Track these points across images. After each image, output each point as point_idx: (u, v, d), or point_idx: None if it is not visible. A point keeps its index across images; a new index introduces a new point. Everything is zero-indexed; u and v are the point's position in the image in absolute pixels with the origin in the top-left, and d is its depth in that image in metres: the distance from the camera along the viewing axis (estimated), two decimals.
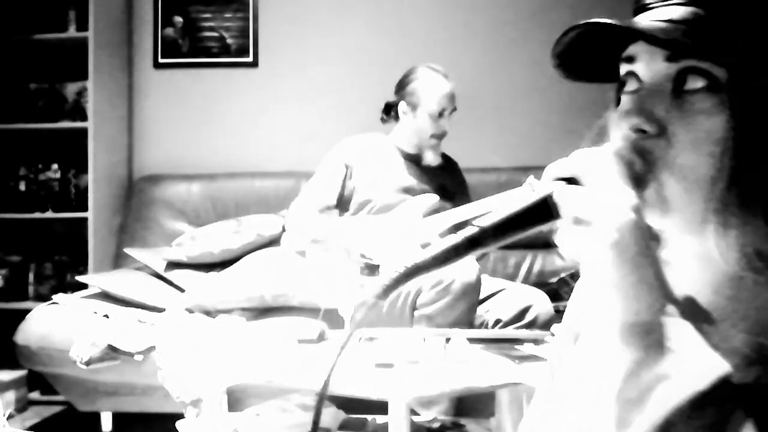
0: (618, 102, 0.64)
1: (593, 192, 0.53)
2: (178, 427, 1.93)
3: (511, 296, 2.41)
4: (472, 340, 1.84)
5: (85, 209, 3.16)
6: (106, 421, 2.64)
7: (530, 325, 2.33)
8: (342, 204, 2.62)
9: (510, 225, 0.57)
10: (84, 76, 3.18)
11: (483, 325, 2.37)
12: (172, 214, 3.23)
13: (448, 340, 1.81)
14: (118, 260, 3.14)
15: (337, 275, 2.47)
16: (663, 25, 0.58)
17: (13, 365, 2.72)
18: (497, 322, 2.35)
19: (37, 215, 3.25)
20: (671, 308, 0.53)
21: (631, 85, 0.62)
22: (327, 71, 3.45)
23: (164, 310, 2.60)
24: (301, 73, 3.46)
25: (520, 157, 3.28)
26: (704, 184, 0.58)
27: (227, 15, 3.48)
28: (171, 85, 3.51)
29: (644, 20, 0.60)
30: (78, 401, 2.57)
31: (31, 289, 3.28)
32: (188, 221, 3.21)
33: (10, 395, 2.81)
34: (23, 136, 3.34)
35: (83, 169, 3.21)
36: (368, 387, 1.57)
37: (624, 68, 0.63)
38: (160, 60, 3.50)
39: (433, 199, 2.53)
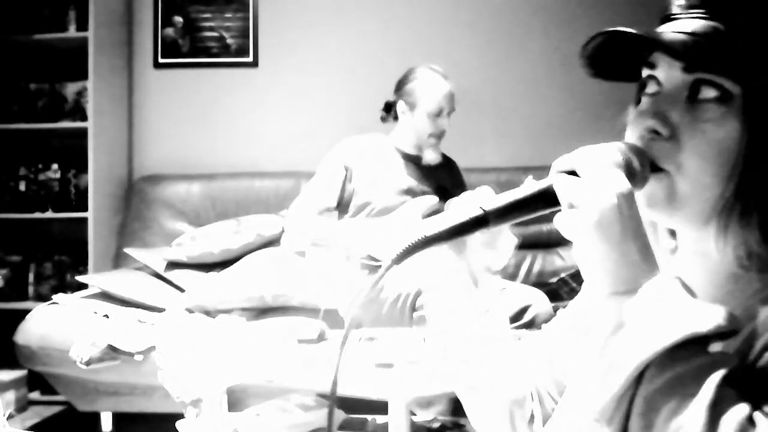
0: (637, 102, 0.69)
1: (584, 180, 0.59)
2: (178, 427, 1.93)
3: (510, 296, 2.41)
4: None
5: (85, 209, 3.16)
6: (106, 421, 2.65)
7: (529, 324, 2.33)
8: (342, 206, 2.62)
9: (512, 210, 0.64)
10: (84, 76, 3.18)
11: None
12: (172, 214, 3.23)
13: None
14: (118, 260, 3.14)
15: (337, 275, 2.48)
16: (683, 37, 0.62)
17: (13, 365, 2.72)
18: None
19: (37, 215, 3.25)
20: (657, 281, 0.57)
21: (650, 88, 0.66)
22: (327, 71, 3.45)
23: (164, 310, 2.60)
24: (301, 73, 3.46)
25: (520, 157, 3.28)
26: (710, 188, 0.62)
27: (227, 15, 3.48)
28: (171, 85, 3.51)
29: (668, 30, 0.64)
30: (78, 401, 2.57)
31: (31, 289, 3.28)
32: (188, 221, 3.21)
33: (10, 395, 2.81)
34: (23, 136, 3.34)
35: (83, 169, 3.21)
36: (368, 387, 1.58)
37: (645, 72, 0.67)
38: (160, 60, 3.50)
39: (433, 200, 2.54)
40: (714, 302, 0.61)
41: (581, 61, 0.68)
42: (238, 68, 3.48)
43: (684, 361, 0.53)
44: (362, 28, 3.45)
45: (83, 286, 2.77)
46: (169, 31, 3.49)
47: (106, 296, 2.67)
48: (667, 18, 0.66)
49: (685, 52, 0.61)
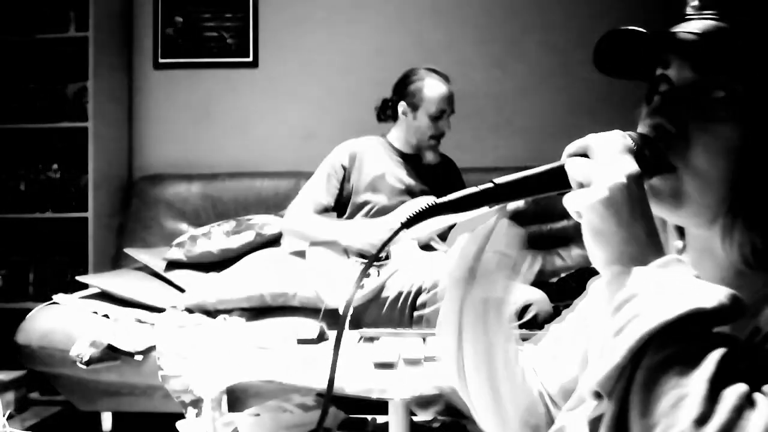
0: (648, 99, 0.70)
1: (595, 161, 0.62)
2: (178, 427, 1.93)
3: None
4: None
5: (85, 209, 3.16)
6: (106, 421, 2.65)
7: (529, 323, 2.33)
8: (340, 205, 2.63)
9: (522, 186, 0.65)
10: (84, 76, 3.18)
11: None
12: (172, 214, 3.23)
13: None
14: (118, 260, 3.14)
15: (337, 275, 2.47)
16: (694, 37, 0.63)
17: (13, 365, 2.72)
18: None
19: (37, 215, 3.25)
20: (662, 260, 0.58)
21: (662, 87, 0.68)
22: (327, 71, 3.45)
23: (164, 310, 2.60)
24: (301, 73, 3.46)
25: (520, 157, 3.27)
26: (717, 186, 0.63)
27: (227, 15, 3.48)
28: (171, 85, 3.51)
29: (682, 29, 0.65)
30: (78, 401, 2.57)
31: (31, 289, 3.28)
32: (188, 221, 3.21)
33: (10, 395, 2.81)
34: (23, 136, 3.34)
35: (83, 169, 3.21)
36: (368, 387, 1.57)
37: (658, 71, 0.68)
38: (160, 60, 3.50)
39: (431, 200, 2.54)
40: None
41: (593, 58, 0.70)
42: (238, 68, 3.48)
43: (687, 336, 0.54)
44: (362, 28, 3.45)
45: (83, 286, 2.77)
46: (169, 31, 3.49)
47: (106, 296, 2.67)
48: (682, 19, 0.68)
49: (696, 51, 0.63)
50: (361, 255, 2.49)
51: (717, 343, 0.54)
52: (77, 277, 2.75)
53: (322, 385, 1.63)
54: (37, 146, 3.37)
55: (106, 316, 2.51)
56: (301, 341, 1.97)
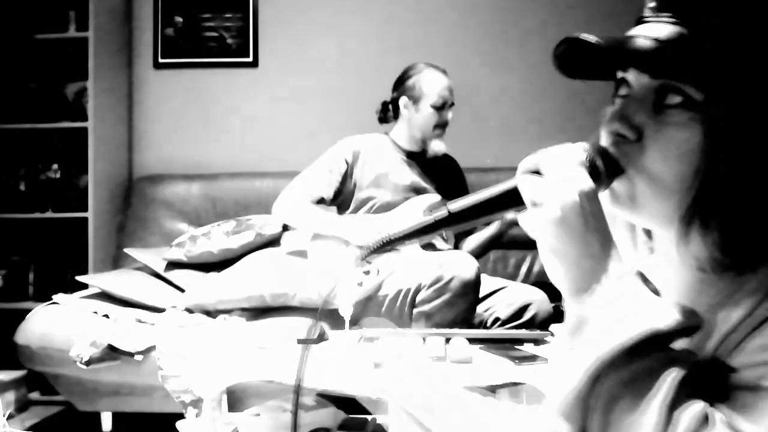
0: (613, 101, 0.71)
1: (547, 178, 0.62)
2: (178, 427, 1.93)
3: (509, 295, 2.41)
4: (471, 340, 1.84)
5: (85, 209, 3.16)
6: (106, 421, 2.65)
7: (529, 323, 2.33)
8: (343, 201, 2.63)
9: (478, 209, 0.67)
10: (84, 76, 3.18)
11: (482, 323, 2.37)
12: (172, 214, 3.23)
13: (448, 340, 1.81)
14: (118, 260, 3.14)
15: (338, 275, 2.47)
16: (650, 44, 0.63)
17: (13, 365, 2.72)
18: (496, 320, 2.36)
19: (37, 215, 3.25)
20: (618, 277, 0.59)
21: (622, 90, 0.68)
22: (327, 71, 3.45)
23: (164, 310, 2.60)
24: (301, 73, 3.46)
25: (519, 157, 3.26)
26: (672, 191, 0.63)
27: (227, 15, 3.48)
28: (171, 85, 3.51)
29: (640, 33, 0.65)
30: (78, 401, 2.57)
31: (31, 289, 3.29)
32: (188, 221, 3.21)
33: (10, 395, 2.81)
34: (23, 136, 3.34)
35: (83, 169, 3.21)
36: (368, 387, 1.57)
37: (619, 74, 0.69)
38: (160, 60, 3.50)
39: (434, 197, 2.55)
40: (685, 301, 0.63)
41: (554, 64, 0.69)
42: (238, 68, 3.48)
43: (641, 358, 0.54)
44: (362, 29, 3.45)
45: (83, 286, 2.77)
46: (169, 31, 3.49)
47: (106, 296, 2.67)
48: (640, 20, 0.67)
49: (650, 60, 0.62)
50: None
51: (672, 362, 0.54)
52: (77, 277, 2.75)
53: (323, 386, 1.63)
54: (37, 146, 3.37)
55: (106, 316, 2.51)
56: (301, 341, 1.97)
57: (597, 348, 0.55)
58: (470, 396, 0.87)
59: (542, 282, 2.85)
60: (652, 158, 0.63)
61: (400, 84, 2.65)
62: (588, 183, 0.61)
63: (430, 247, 2.53)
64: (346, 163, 2.61)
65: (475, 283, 2.25)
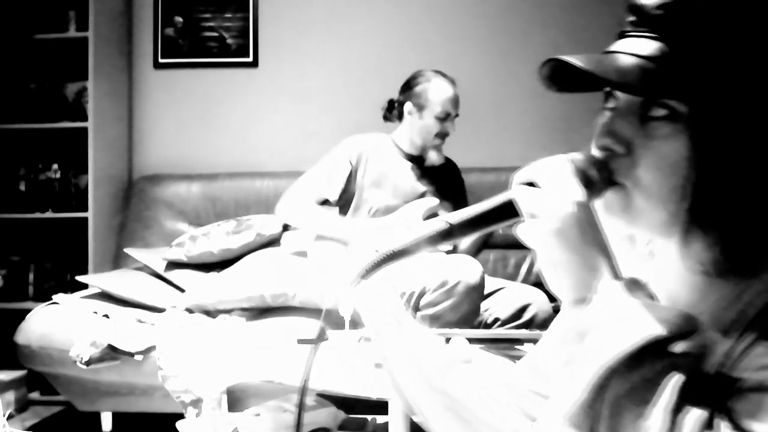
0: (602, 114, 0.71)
1: (543, 191, 0.63)
2: (178, 427, 1.93)
3: (509, 295, 2.41)
4: (471, 340, 1.84)
5: (85, 209, 3.16)
6: (106, 421, 2.65)
7: (528, 323, 2.34)
8: (344, 202, 2.63)
9: (476, 222, 0.68)
10: (84, 76, 3.18)
11: (482, 323, 2.37)
12: (172, 214, 3.23)
13: (448, 340, 1.81)
14: (118, 260, 3.14)
15: (338, 275, 2.47)
16: (631, 62, 0.64)
17: (13, 365, 2.72)
18: (495, 320, 2.36)
19: (37, 215, 3.25)
20: (616, 286, 0.60)
21: (610, 103, 0.69)
22: (327, 71, 3.45)
23: (164, 310, 2.60)
24: (301, 73, 3.46)
25: (519, 157, 3.27)
26: (667, 201, 0.64)
27: (227, 15, 3.48)
28: (171, 85, 3.51)
29: (621, 48, 0.66)
30: (78, 401, 2.57)
31: (31, 289, 3.29)
32: (188, 221, 3.21)
33: (10, 395, 2.81)
34: (23, 136, 3.34)
35: (83, 169, 3.21)
36: (368, 387, 1.58)
37: (606, 87, 0.69)
38: (160, 60, 3.50)
39: (434, 201, 2.55)
40: (688, 305, 0.64)
41: (541, 83, 0.71)
42: (238, 68, 3.48)
43: (644, 365, 0.55)
44: (362, 29, 3.45)
45: (83, 286, 2.77)
46: (169, 31, 3.49)
47: (106, 296, 2.67)
48: (621, 35, 0.68)
49: (632, 81, 0.63)
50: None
51: (674, 367, 0.55)
52: (77, 277, 2.75)
53: (322, 386, 1.63)
54: (37, 146, 3.37)
55: (106, 316, 2.51)
56: (301, 341, 1.97)
57: (600, 356, 0.56)
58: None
59: (542, 283, 2.85)
60: (642, 171, 0.65)
61: (408, 89, 2.63)
62: (582, 194, 0.63)
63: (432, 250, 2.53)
64: (351, 163, 2.61)
65: (480, 287, 2.26)
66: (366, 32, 3.45)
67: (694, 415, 0.53)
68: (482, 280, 2.26)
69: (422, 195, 2.61)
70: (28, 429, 2.68)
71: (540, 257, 0.63)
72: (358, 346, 1.89)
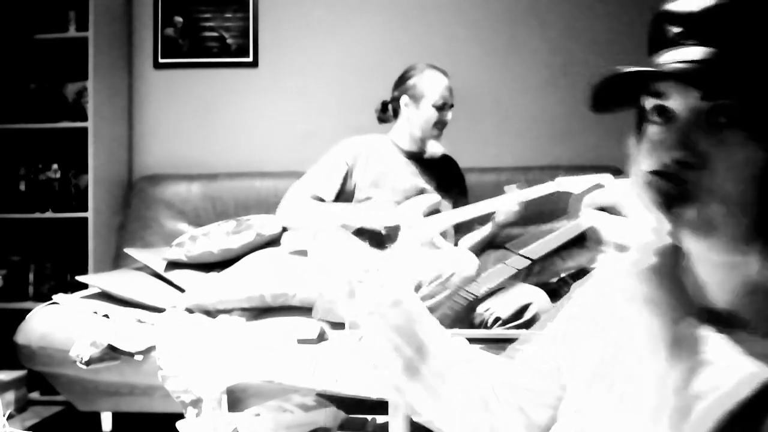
0: (638, 128, 0.69)
1: (630, 221, 0.62)
2: (178, 427, 1.93)
3: (509, 294, 2.42)
4: (471, 340, 1.85)
5: (85, 209, 3.16)
6: (106, 421, 2.65)
7: (529, 322, 2.33)
8: (342, 201, 2.63)
9: (557, 254, 0.65)
10: (84, 76, 3.18)
11: (482, 323, 2.37)
12: (172, 214, 3.23)
13: None
14: (118, 260, 3.14)
15: (338, 274, 2.47)
16: (694, 66, 0.62)
17: (13, 365, 2.72)
18: (496, 320, 2.36)
19: (37, 215, 3.25)
20: (705, 321, 0.58)
21: (658, 118, 0.66)
22: (327, 71, 3.45)
23: (164, 310, 2.60)
24: (301, 73, 3.46)
25: (520, 157, 3.28)
26: (746, 212, 0.62)
27: (227, 15, 3.48)
28: (171, 85, 3.51)
29: (669, 60, 0.63)
30: (78, 401, 2.57)
31: (31, 289, 3.28)
32: (188, 221, 3.21)
33: (10, 395, 2.81)
34: (23, 136, 3.34)
35: (83, 169, 3.21)
36: (368, 387, 1.57)
37: (651, 101, 0.66)
38: (160, 60, 3.50)
39: (435, 198, 2.55)
40: (744, 311, 0.62)
41: (589, 102, 0.68)
42: (238, 68, 3.48)
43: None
44: (362, 29, 3.45)
45: (83, 286, 2.77)
46: (169, 31, 3.49)
47: (106, 296, 2.67)
48: (658, 47, 0.66)
49: (702, 81, 0.61)
50: (362, 233, 2.50)
51: None
52: (77, 277, 2.75)
53: (322, 386, 1.63)
54: (37, 146, 3.37)
55: (106, 316, 2.51)
56: (301, 341, 1.97)
57: (709, 411, 0.55)
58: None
59: (542, 283, 2.85)
60: (721, 181, 0.62)
61: (401, 83, 2.67)
62: (667, 222, 0.61)
63: (430, 245, 2.53)
64: (347, 164, 2.63)
65: (475, 280, 2.26)
66: (366, 32, 3.45)
67: None
68: (478, 272, 2.27)
69: (422, 192, 2.62)
70: (28, 429, 2.68)
71: (628, 292, 0.62)
72: (358, 346, 1.89)
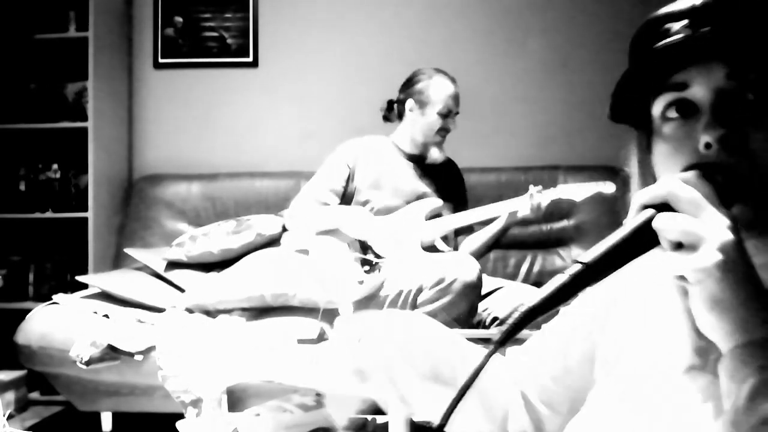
0: (642, 144, 0.68)
1: (692, 217, 0.54)
2: (178, 427, 1.93)
3: (508, 294, 2.41)
4: (471, 340, 1.85)
5: (85, 209, 3.16)
6: (106, 421, 2.64)
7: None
8: (346, 203, 2.64)
9: (614, 256, 0.57)
10: (84, 76, 3.18)
11: (481, 323, 2.37)
12: (172, 214, 3.23)
13: None
14: (118, 260, 3.14)
15: (337, 274, 2.48)
16: (717, 40, 0.59)
17: (13, 365, 2.72)
18: (494, 320, 2.36)
19: (37, 215, 3.25)
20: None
21: (677, 113, 0.64)
22: (327, 71, 3.45)
23: (164, 310, 2.60)
24: (301, 73, 3.46)
25: (520, 157, 3.28)
26: None
27: (227, 15, 3.48)
28: (171, 85, 3.51)
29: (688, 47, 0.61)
30: (78, 401, 2.57)
31: (31, 289, 3.28)
32: (188, 221, 3.21)
33: (10, 395, 2.81)
34: (23, 136, 3.34)
35: (83, 169, 3.21)
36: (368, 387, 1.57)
37: (668, 97, 0.64)
38: (160, 60, 3.50)
39: (437, 202, 2.56)
40: None
41: (610, 111, 0.68)
42: (238, 68, 3.48)
43: None
44: (362, 29, 3.45)
45: (83, 286, 2.77)
46: (169, 31, 3.49)
47: (106, 296, 2.67)
48: (659, 34, 0.64)
49: (732, 53, 0.58)
50: (361, 245, 2.51)
51: None
52: (77, 277, 2.75)
53: (322, 386, 1.63)
54: (37, 146, 3.37)
55: (106, 316, 2.51)
56: (301, 341, 1.97)
57: None
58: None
59: (542, 283, 2.85)
60: (764, 164, 0.58)
61: (408, 86, 2.65)
62: (732, 218, 0.54)
63: (432, 249, 2.54)
64: (348, 167, 2.63)
65: (477, 285, 2.26)
66: (366, 32, 3.45)
67: None
68: (479, 278, 2.26)
69: (422, 195, 2.62)
70: (28, 429, 2.68)
71: (699, 293, 0.54)
72: (358, 346, 1.88)
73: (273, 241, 2.93)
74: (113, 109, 3.37)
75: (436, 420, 0.69)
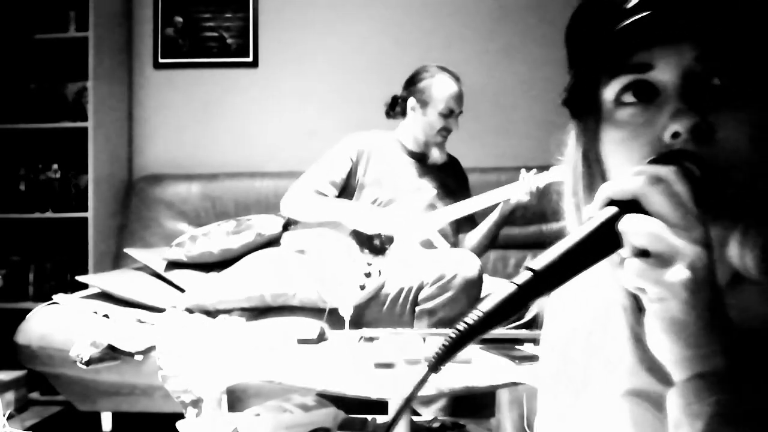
0: (588, 132, 0.63)
1: (661, 223, 0.47)
2: (178, 427, 1.93)
3: None
4: None
5: (85, 209, 3.16)
6: (106, 421, 2.64)
7: (530, 323, 2.33)
8: (345, 197, 2.63)
9: (568, 263, 0.50)
10: (84, 76, 3.18)
11: None
12: (172, 214, 3.23)
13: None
14: (118, 260, 3.14)
15: (338, 274, 2.48)
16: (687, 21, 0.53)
17: (13, 365, 2.72)
18: None
19: (37, 215, 3.25)
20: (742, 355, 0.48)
21: (635, 98, 0.57)
22: (327, 71, 3.45)
23: (164, 310, 2.60)
24: (301, 72, 3.46)
25: (520, 157, 3.27)
26: (764, 177, 0.52)
27: (227, 15, 3.48)
28: (171, 85, 3.51)
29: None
30: (78, 401, 2.57)
31: (31, 289, 3.28)
32: (188, 221, 3.21)
33: (10, 395, 2.81)
34: (23, 136, 3.34)
35: (83, 169, 3.21)
36: (368, 387, 1.58)
37: (625, 79, 0.58)
38: (160, 60, 3.50)
39: (432, 192, 2.54)
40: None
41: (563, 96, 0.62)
42: (238, 68, 3.48)
43: None
44: (362, 28, 3.45)
45: (83, 286, 2.77)
46: (169, 31, 3.49)
47: (106, 296, 2.67)
48: (624, 13, 0.57)
49: (704, 33, 0.52)
50: (359, 239, 2.50)
51: None
52: (77, 277, 2.75)
53: (322, 386, 1.63)
54: (37, 146, 3.37)
55: (106, 316, 2.51)
56: (301, 341, 1.97)
57: None
58: None
59: None
60: (735, 152, 0.52)
61: (411, 84, 2.62)
62: (703, 228, 0.47)
63: (430, 245, 2.53)
64: (351, 161, 2.61)
65: (478, 281, 2.26)
66: (366, 32, 3.45)
67: None
68: (480, 274, 2.26)
69: (426, 192, 2.61)
70: (28, 429, 2.68)
71: (657, 311, 0.48)
72: (358, 346, 1.89)
73: (273, 241, 2.93)
74: (113, 109, 3.37)
75: None
